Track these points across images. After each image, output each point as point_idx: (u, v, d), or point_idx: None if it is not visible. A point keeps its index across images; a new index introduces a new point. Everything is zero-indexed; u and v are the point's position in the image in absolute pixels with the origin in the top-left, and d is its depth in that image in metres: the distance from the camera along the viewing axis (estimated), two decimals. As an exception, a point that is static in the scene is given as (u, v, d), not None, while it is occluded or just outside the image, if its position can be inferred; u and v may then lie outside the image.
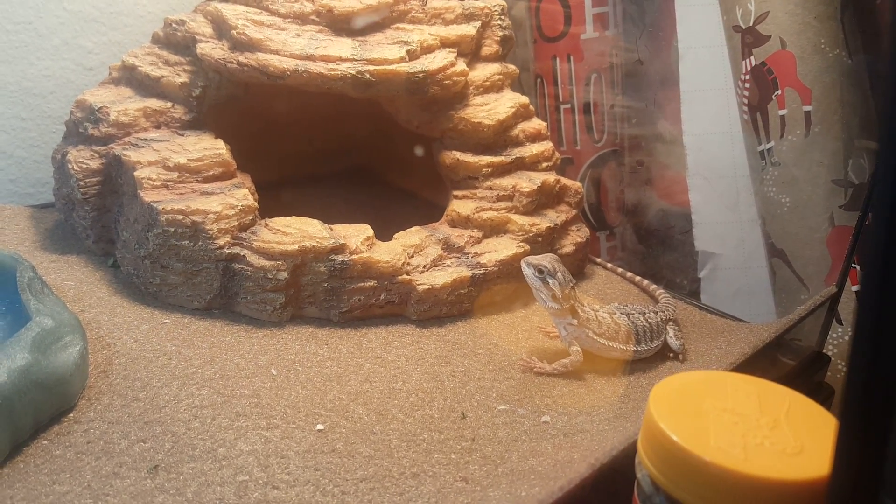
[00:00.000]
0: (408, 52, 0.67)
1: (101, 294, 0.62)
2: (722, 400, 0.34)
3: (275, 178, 0.80)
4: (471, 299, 0.65)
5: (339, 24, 0.68)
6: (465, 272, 0.64)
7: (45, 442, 0.45)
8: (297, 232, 0.61)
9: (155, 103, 0.69)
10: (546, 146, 0.75)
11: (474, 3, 0.76)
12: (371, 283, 0.61)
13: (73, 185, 0.67)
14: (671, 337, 0.60)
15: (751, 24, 0.73)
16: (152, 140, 0.67)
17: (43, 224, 0.74)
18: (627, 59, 0.90)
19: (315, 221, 0.63)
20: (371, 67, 0.64)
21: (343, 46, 0.66)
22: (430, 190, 0.84)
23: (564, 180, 0.75)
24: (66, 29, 0.78)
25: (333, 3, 0.68)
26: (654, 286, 0.72)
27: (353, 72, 0.64)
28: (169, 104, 0.70)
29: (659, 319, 0.60)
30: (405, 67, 0.65)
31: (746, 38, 0.74)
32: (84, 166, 0.67)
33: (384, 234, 0.66)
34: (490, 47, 0.77)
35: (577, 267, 0.75)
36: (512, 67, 0.78)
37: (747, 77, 0.75)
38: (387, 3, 0.69)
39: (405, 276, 0.62)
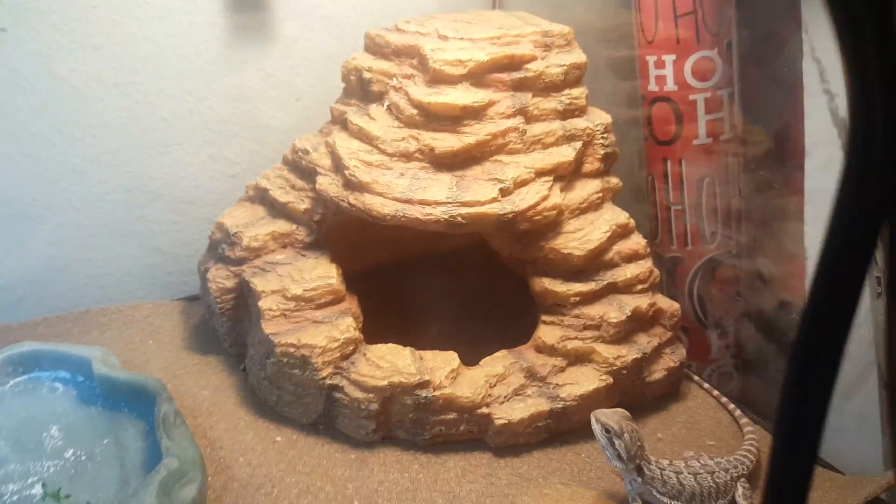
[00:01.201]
0: (501, 189, 0.71)
1: (230, 406, 0.72)
2: None
3: (383, 258, 0.86)
4: (549, 429, 0.69)
5: (440, 161, 0.74)
6: (544, 406, 0.68)
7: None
8: (388, 366, 0.68)
9: (282, 226, 0.79)
10: (643, 267, 0.76)
11: (576, 124, 0.78)
12: (452, 416, 0.67)
13: (212, 301, 0.78)
14: (739, 496, 0.62)
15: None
16: (277, 263, 0.76)
17: (191, 320, 0.86)
18: (744, 162, 0.89)
19: (406, 353, 0.69)
20: (463, 210, 0.70)
21: (440, 187, 0.71)
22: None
23: (661, 302, 0.76)
24: (212, 144, 0.89)
25: (435, 144, 0.73)
26: (744, 419, 0.72)
27: (447, 216, 0.69)
28: (294, 227, 0.79)
29: (729, 478, 0.62)
30: (495, 209, 0.70)
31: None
32: (221, 285, 0.78)
33: (479, 336, 0.72)
34: (591, 164, 0.79)
35: (671, 387, 0.77)
36: (614, 181, 0.80)
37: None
38: (484, 141, 0.74)
39: (484, 410, 0.67)
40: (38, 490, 0.58)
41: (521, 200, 0.71)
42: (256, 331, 0.73)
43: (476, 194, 0.71)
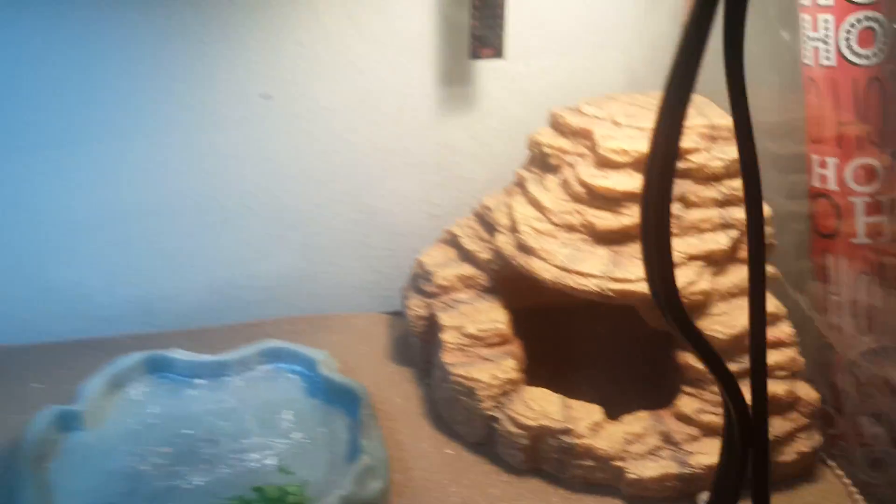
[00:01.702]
0: (649, 270, 0.83)
1: (415, 415, 0.91)
2: None
3: (552, 300, 0.98)
4: (678, 490, 0.80)
5: (599, 237, 0.87)
6: (674, 469, 0.80)
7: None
8: (539, 409, 0.83)
9: (467, 269, 0.96)
10: (786, 355, 0.84)
11: (734, 214, 0.87)
12: (590, 463, 0.81)
13: (409, 324, 0.98)
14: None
15: None
16: (460, 302, 0.94)
17: (395, 332, 1.06)
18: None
19: (556, 400, 0.84)
20: (613, 285, 0.83)
21: (596, 261, 0.85)
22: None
23: (800, 390, 0.84)
24: (422, 190, 1.10)
25: (596, 221, 0.87)
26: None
27: (598, 289, 0.83)
28: (477, 272, 0.96)
29: None
30: (642, 288, 0.82)
31: None
32: (416, 313, 0.97)
33: (625, 387, 0.85)
34: (745, 253, 0.88)
35: (802, 471, 0.84)
36: (770, 270, 0.88)
37: None
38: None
39: (619, 463, 0.80)
40: (272, 462, 0.82)
41: (667, 281, 0.83)
42: (438, 357, 0.91)
43: (627, 272, 0.84)
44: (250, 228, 1.07)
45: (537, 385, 0.87)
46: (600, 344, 0.99)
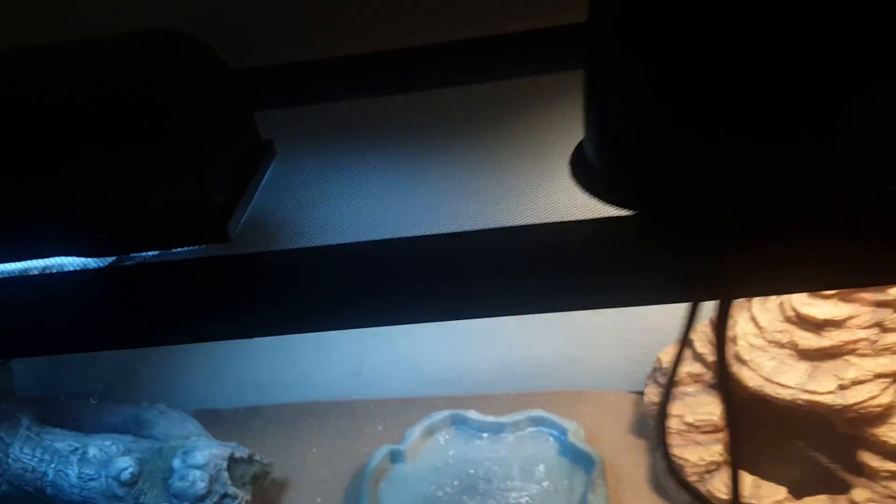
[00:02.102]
0: (839, 385, 1.00)
1: (639, 481, 1.16)
2: None
3: None
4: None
5: (802, 354, 1.05)
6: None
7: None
8: (723, 487, 1.03)
9: (697, 368, 1.18)
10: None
11: (929, 340, 1.00)
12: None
13: (645, 408, 1.22)
14: None
15: None
16: (687, 394, 1.17)
17: (638, 410, 1.31)
18: None
19: (749, 480, 1.03)
20: (804, 396, 1.00)
21: (795, 374, 1.03)
22: None
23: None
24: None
25: (800, 341, 1.05)
26: None
27: (791, 398, 1.01)
28: (704, 370, 1.18)
29: None
30: (828, 400, 0.99)
31: None
32: (651, 399, 1.21)
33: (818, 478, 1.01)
34: (939, 373, 1.00)
35: None
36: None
37: None
38: (838, 345, 1.02)
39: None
40: (525, 501, 1.12)
41: (853, 396, 0.99)
42: (663, 437, 1.15)
43: (818, 385, 1.01)
44: (532, 319, 1.40)
45: (742, 467, 1.07)
46: (803, 437, 1.15)
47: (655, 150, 0.52)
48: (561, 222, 0.55)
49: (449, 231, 0.55)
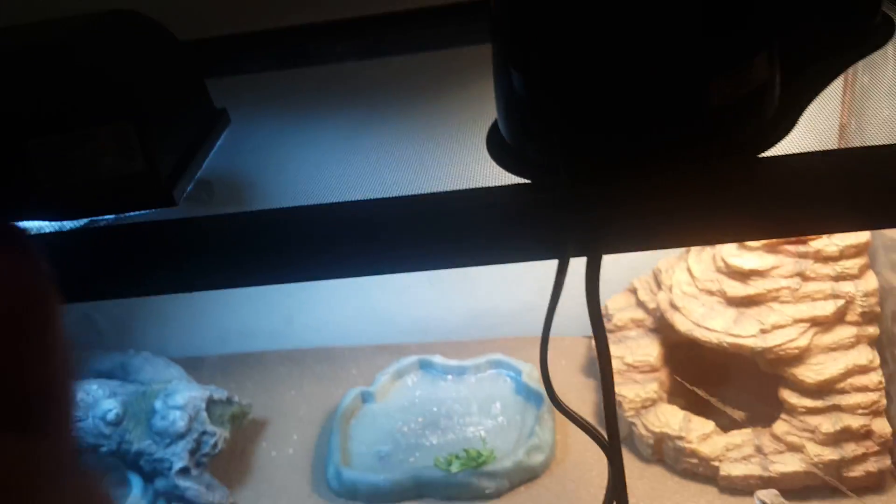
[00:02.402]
0: (760, 330, 1.09)
1: (584, 415, 1.26)
2: None
3: None
4: (758, 486, 1.06)
5: (729, 301, 1.14)
6: (758, 472, 1.06)
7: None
8: (664, 421, 1.13)
9: (639, 314, 1.28)
10: (869, 398, 1.05)
11: (843, 287, 1.09)
12: (695, 461, 1.10)
13: (595, 352, 1.32)
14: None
15: None
16: (629, 338, 1.27)
17: (591, 353, 1.41)
18: None
19: (680, 415, 1.14)
20: (729, 339, 1.10)
21: (722, 320, 1.12)
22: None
23: (876, 425, 1.04)
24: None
25: (727, 289, 1.14)
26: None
27: (717, 341, 1.11)
28: (646, 316, 1.27)
29: None
30: (750, 343, 1.08)
31: None
32: (598, 343, 1.31)
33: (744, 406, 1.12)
34: (852, 317, 1.09)
35: (873, 485, 1.04)
36: (871, 330, 1.08)
37: None
38: (762, 293, 1.11)
39: (716, 463, 1.09)
40: (480, 434, 1.23)
41: (773, 339, 1.08)
42: (606, 378, 1.25)
43: (742, 329, 1.10)
44: (498, 273, 1.48)
45: (677, 403, 1.17)
46: (731, 375, 1.25)
47: (540, 126, 0.60)
48: (470, 189, 0.63)
49: (378, 196, 0.63)
